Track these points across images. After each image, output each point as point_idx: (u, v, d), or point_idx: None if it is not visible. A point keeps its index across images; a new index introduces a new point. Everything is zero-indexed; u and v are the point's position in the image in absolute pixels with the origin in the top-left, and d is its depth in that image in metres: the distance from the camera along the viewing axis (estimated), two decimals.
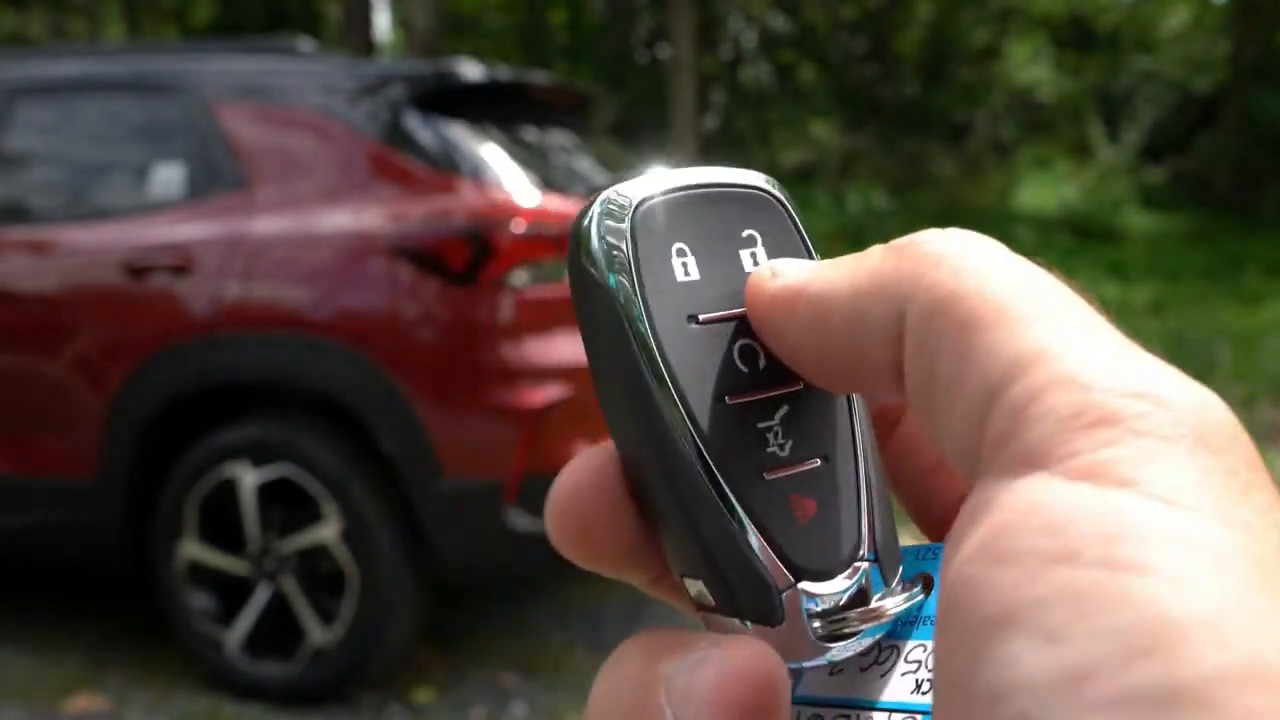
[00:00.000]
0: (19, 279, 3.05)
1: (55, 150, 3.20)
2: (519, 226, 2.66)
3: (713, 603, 0.24)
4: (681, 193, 0.26)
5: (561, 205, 2.86)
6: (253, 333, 2.79)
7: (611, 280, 0.25)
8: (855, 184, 13.99)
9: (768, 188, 0.28)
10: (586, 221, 0.25)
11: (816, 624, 0.24)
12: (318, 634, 2.75)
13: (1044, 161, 15.73)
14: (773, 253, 0.27)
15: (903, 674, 0.24)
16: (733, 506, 0.24)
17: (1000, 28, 16.89)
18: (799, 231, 0.27)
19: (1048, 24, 17.57)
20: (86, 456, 2.91)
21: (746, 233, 0.27)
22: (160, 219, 2.92)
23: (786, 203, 0.27)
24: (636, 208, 0.25)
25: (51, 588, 3.56)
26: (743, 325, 0.25)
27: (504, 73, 3.17)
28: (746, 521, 0.24)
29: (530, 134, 3.24)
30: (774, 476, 0.24)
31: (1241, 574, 0.16)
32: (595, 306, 0.25)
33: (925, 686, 0.23)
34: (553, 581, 3.58)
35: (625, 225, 0.25)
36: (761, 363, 0.25)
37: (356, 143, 2.85)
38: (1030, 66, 16.87)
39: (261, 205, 2.83)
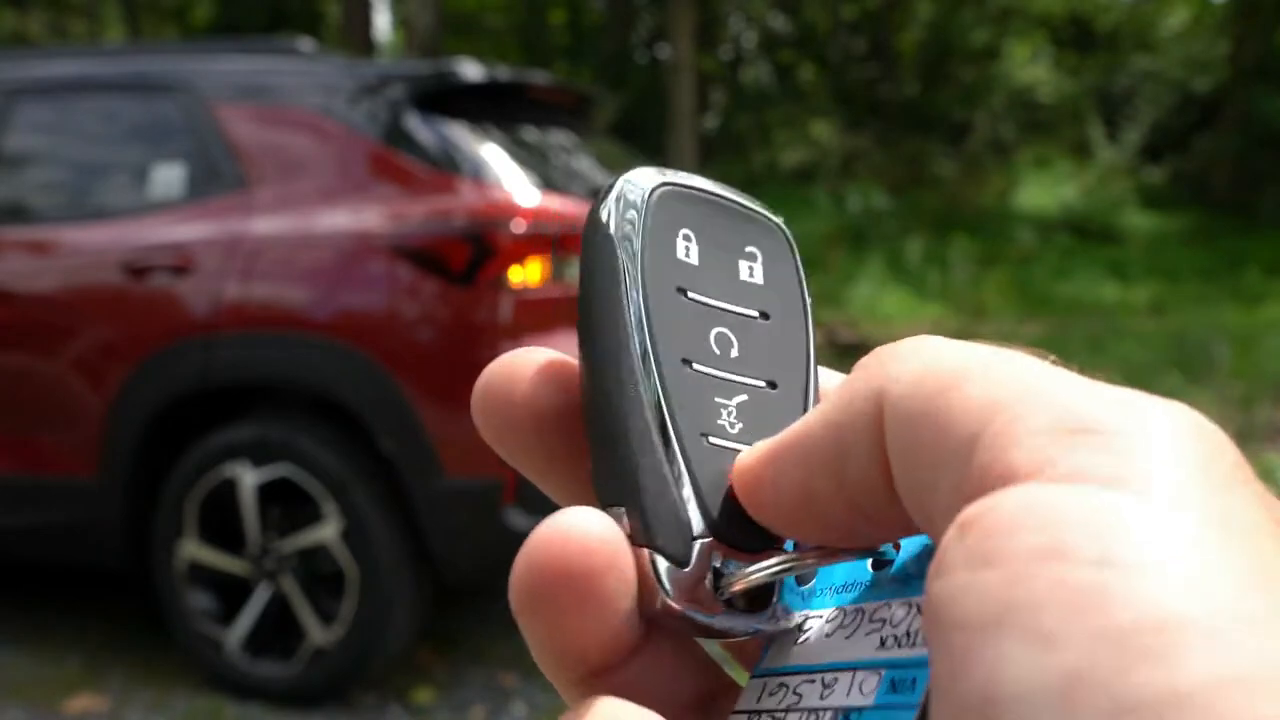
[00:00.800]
0: (19, 279, 3.05)
1: (55, 150, 3.20)
2: (519, 226, 2.66)
3: (628, 532, 0.25)
4: (704, 193, 0.29)
5: (561, 205, 2.86)
6: (253, 333, 2.79)
7: (616, 230, 0.27)
8: (855, 184, 13.98)
9: (781, 225, 0.30)
10: (613, 182, 0.28)
11: (721, 582, 0.25)
12: (318, 634, 2.75)
13: (1044, 161, 15.73)
14: (769, 273, 0.29)
15: (867, 633, 0.24)
16: (673, 449, 0.25)
17: (1000, 28, 16.88)
18: (798, 270, 0.29)
19: (1048, 24, 17.57)
20: (87, 456, 2.92)
21: (750, 248, 0.29)
22: (160, 219, 2.93)
23: (792, 244, 0.30)
24: (661, 185, 0.28)
25: (52, 588, 3.56)
26: (722, 316, 0.27)
27: (504, 73, 3.17)
28: (683, 467, 0.25)
29: (530, 134, 3.24)
30: (718, 444, 0.26)
31: (1237, 572, 0.16)
32: (597, 250, 0.27)
33: (889, 642, 0.24)
34: None
35: (645, 194, 0.27)
36: (733, 353, 0.27)
37: (356, 143, 2.85)
38: (1030, 66, 16.87)
39: (261, 205, 2.83)
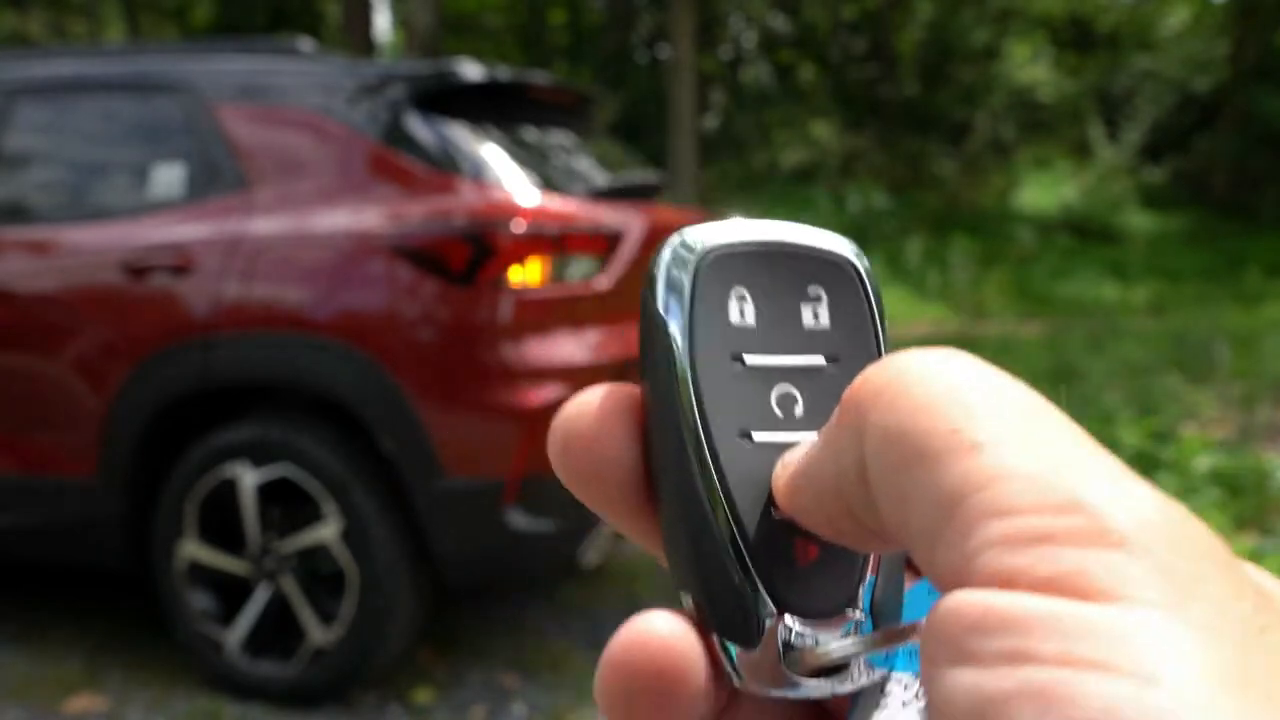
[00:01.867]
0: (19, 279, 3.05)
1: (55, 150, 3.20)
2: (519, 226, 2.66)
3: (697, 618, 0.26)
4: (755, 244, 0.28)
5: (562, 205, 2.86)
6: (253, 333, 2.78)
7: (663, 311, 0.27)
8: (855, 184, 13.99)
9: (845, 254, 0.28)
10: (658, 255, 0.27)
11: (793, 657, 0.25)
12: (318, 634, 2.75)
13: (1044, 161, 15.73)
14: (836, 313, 0.28)
15: None
16: (734, 535, 0.25)
17: (1000, 28, 16.88)
18: (869, 300, 0.28)
19: (1048, 24, 17.58)
20: (87, 456, 2.91)
21: (813, 289, 0.28)
22: (160, 219, 2.92)
23: (863, 271, 0.28)
24: (707, 252, 0.27)
25: (52, 588, 3.56)
26: (785, 373, 0.27)
27: (504, 73, 3.16)
28: (744, 550, 0.25)
29: (530, 134, 3.23)
30: (782, 516, 0.26)
31: (1201, 671, 0.16)
32: (648, 334, 0.27)
33: None
34: (552, 581, 3.58)
35: (691, 265, 0.27)
36: (798, 411, 0.27)
37: (356, 143, 2.85)
38: (1030, 66, 16.87)
39: (261, 205, 2.83)
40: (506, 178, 2.80)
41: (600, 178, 3.30)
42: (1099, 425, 4.88)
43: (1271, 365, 6.37)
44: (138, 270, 2.87)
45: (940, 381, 0.21)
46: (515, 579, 3.38)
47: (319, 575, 2.80)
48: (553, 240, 2.73)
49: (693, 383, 0.26)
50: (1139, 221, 13.60)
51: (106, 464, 2.89)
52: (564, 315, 2.75)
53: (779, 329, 0.27)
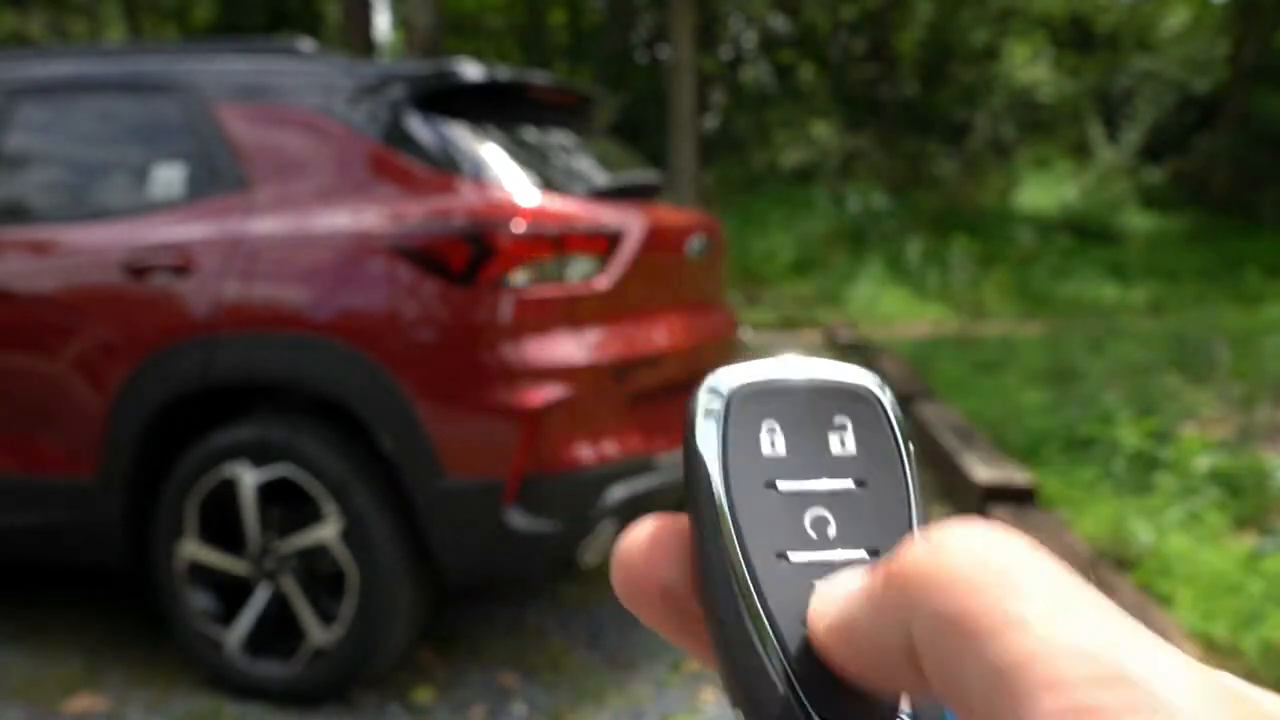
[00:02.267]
0: (19, 279, 3.05)
1: (55, 150, 3.20)
2: (519, 226, 2.66)
3: None
4: (782, 381, 0.30)
5: (562, 205, 2.86)
6: (253, 333, 2.79)
7: (700, 447, 0.29)
8: (855, 184, 13.99)
9: (870, 387, 0.30)
10: (694, 394, 0.30)
11: None
12: (318, 634, 2.75)
13: (1044, 161, 15.73)
14: (862, 440, 0.30)
15: None
16: (774, 652, 0.27)
17: (1000, 28, 16.90)
18: (893, 429, 0.30)
19: (1047, 24, 17.59)
20: (87, 456, 2.92)
21: (839, 419, 0.30)
22: (160, 219, 2.93)
23: (886, 403, 0.30)
24: (737, 389, 0.30)
25: (52, 588, 3.56)
26: (817, 497, 0.29)
27: (504, 73, 3.16)
28: (786, 666, 0.27)
29: (530, 134, 3.23)
30: None
31: None
32: (690, 466, 0.29)
33: None
34: (552, 581, 3.58)
35: (722, 402, 0.29)
36: (832, 533, 0.29)
37: (356, 143, 2.85)
38: (1030, 66, 16.88)
39: (261, 205, 2.83)
40: (506, 178, 2.80)
41: (600, 178, 3.30)
42: (1099, 425, 4.89)
43: (1271, 365, 6.36)
44: (138, 270, 2.87)
45: (982, 562, 0.23)
46: (515, 579, 3.38)
47: (319, 575, 2.80)
48: (553, 240, 2.73)
49: (729, 511, 0.28)
50: (1138, 221, 13.61)
51: (107, 464, 2.90)
52: (564, 315, 2.75)
53: (809, 457, 0.29)
